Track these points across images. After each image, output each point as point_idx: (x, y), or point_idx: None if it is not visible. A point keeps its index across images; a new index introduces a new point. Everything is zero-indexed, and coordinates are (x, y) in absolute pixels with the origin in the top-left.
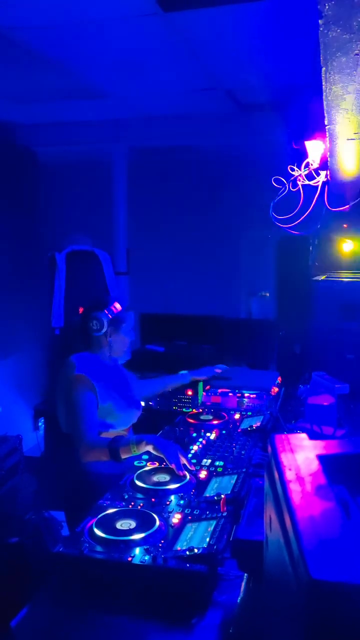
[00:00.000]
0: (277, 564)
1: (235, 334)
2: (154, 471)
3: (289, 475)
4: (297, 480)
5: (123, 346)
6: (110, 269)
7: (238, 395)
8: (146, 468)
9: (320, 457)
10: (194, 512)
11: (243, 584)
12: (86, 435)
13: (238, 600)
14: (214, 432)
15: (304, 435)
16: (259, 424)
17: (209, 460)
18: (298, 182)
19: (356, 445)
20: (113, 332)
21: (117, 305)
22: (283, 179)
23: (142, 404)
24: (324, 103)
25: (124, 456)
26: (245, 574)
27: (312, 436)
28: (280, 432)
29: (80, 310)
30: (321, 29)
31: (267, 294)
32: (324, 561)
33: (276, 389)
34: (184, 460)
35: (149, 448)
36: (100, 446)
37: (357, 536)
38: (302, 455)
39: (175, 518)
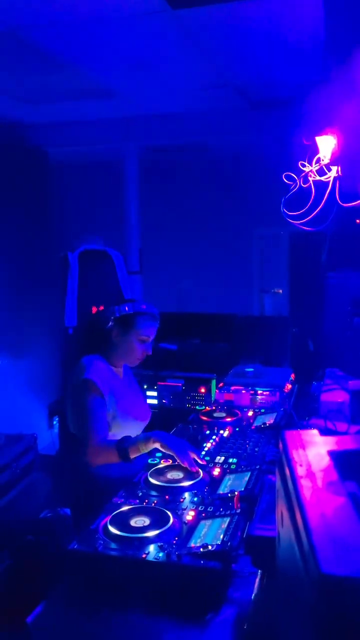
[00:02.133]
0: (288, 559)
1: (249, 331)
2: (168, 469)
3: (300, 471)
4: (308, 476)
5: (131, 354)
6: (123, 268)
7: (251, 392)
8: (160, 465)
9: (332, 453)
10: (208, 509)
11: (257, 580)
12: (94, 439)
13: (252, 597)
14: (227, 429)
15: (315, 432)
16: (272, 421)
17: (223, 458)
18: (309, 177)
19: None
20: (120, 333)
21: (129, 306)
22: (294, 175)
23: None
24: None
25: (132, 455)
26: (259, 571)
27: (326, 433)
28: (294, 429)
29: (94, 309)
30: None
31: (280, 291)
32: (334, 556)
33: (289, 386)
34: (193, 455)
35: (157, 445)
36: (109, 448)
37: None
38: (313, 451)
39: (189, 515)
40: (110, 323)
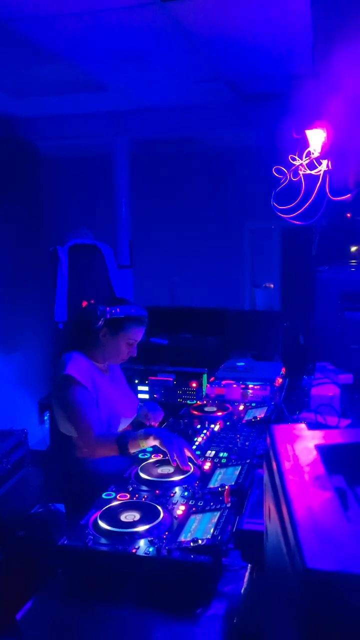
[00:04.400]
0: (275, 554)
1: (240, 325)
2: (158, 463)
3: (287, 465)
4: (295, 470)
5: (117, 355)
6: (113, 262)
7: (242, 386)
8: (150, 460)
9: (319, 447)
10: (198, 504)
11: (247, 574)
12: (91, 433)
13: (242, 591)
14: (218, 423)
15: (302, 426)
16: (263, 415)
17: (213, 452)
18: (299, 171)
19: (355, 435)
20: (108, 334)
21: (121, 309)
22: (284, 169)
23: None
24: None
25: (132, 450)
26: (249, 565)
27: (317, 427)
28: (284, 423)
29: (84, 303)
30: None
31: (272, 285)
32: (319, 551)
33: (280, 380)
34: (189, 454)
35: (157, 442)
36: (109, 442)
37: (353, 526)
38: (300, 445)
39: (180, 509)
40: (100, 323)
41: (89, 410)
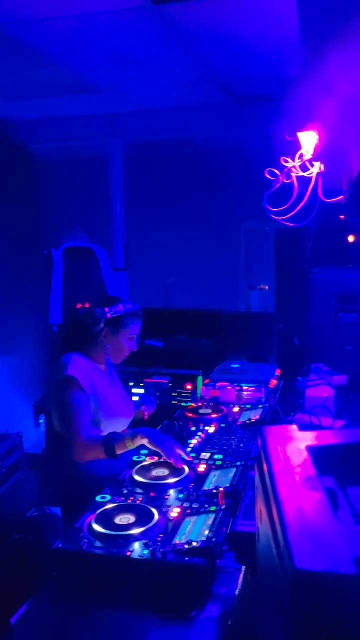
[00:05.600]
0: (266, 555)
1: (235, 327)
2: (153, 466)
3: (278, 466)
4: (286, 471)
5: (120, 352)
6: (108, 265)
7: (237, 388)
8: (145, 463)
9: (310, 448)
10: (193, 506)
11: (241, 576)
12: (79, 435)
13: (236, 593)
14: (212, 425)
15: (294, 427)
16: (257, 416)
17: (208, 454)
18: (292, 173)
19: (346, 436)
20: (109, 333)
21: (121, 307)
22: (276, 171)
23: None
24: None
25: (119, 451)
26: (243, 566)
27: (311, 428)
28: (279, 425)
29: (78, 306)
30: None
31: (266, 287)
32: (308, 551)
33: (275, 382)
34: (180, 452)
35: (144, 442)
36: (95, 444)
37: (343, 527)
38: (291, 446)
39: (174, 512)
40: (101, 324)
41: (82, 414)
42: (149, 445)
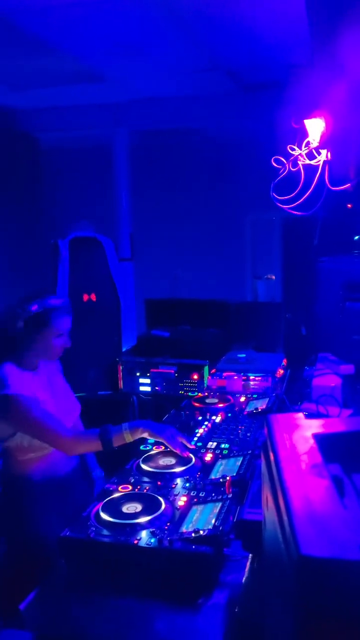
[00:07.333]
0: (272, 542)
1: (242, 317)
2: (160, 455)
3: (284, 454)
4: (292, 459)
5: (50, 352)
6: (114, 255)
7: (243, 378)
8: (152, 452)
9: (316, 436)
10: (200, 495)
11: (248, 564)
12: (62, 436)
13: (243, 580)
14: (219, 415)
15: (300, 415)
16: (264, 406)
17: (215, 443)
18: (298, 161)
19: (353, 424)
20: (33, 333)
21: (36, 306)
22: (283, 159)
23: None
24: None
25: (117, 444)
26: (250, 554)
27: (318, 417)
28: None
29: (85, 297)
30: None
31: (273, 277)
32: (314, 538)
33: (282, 371)
34: (182, 440)
35: (145, 434)
36: (90, 439)
37: (349, 513)
38: (298, 434)
39: (181, 500)
40: (20, 324)
41: (49, 418)
42: (151, 437)
